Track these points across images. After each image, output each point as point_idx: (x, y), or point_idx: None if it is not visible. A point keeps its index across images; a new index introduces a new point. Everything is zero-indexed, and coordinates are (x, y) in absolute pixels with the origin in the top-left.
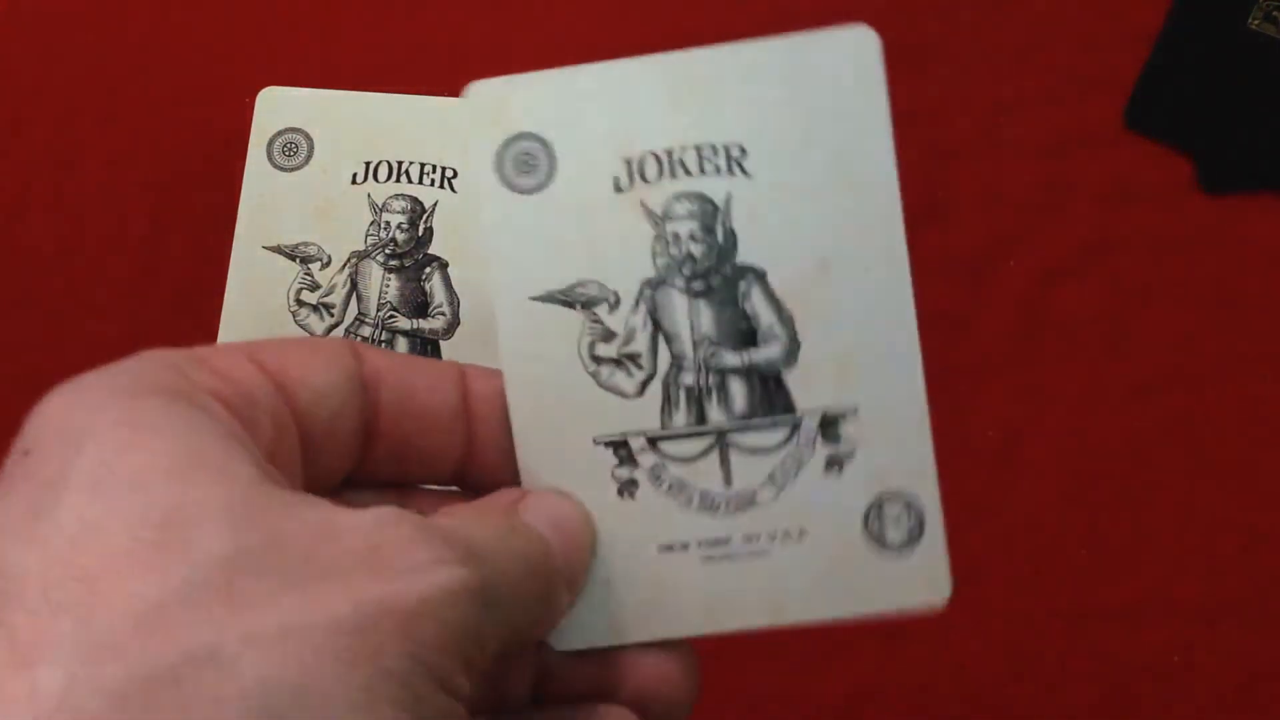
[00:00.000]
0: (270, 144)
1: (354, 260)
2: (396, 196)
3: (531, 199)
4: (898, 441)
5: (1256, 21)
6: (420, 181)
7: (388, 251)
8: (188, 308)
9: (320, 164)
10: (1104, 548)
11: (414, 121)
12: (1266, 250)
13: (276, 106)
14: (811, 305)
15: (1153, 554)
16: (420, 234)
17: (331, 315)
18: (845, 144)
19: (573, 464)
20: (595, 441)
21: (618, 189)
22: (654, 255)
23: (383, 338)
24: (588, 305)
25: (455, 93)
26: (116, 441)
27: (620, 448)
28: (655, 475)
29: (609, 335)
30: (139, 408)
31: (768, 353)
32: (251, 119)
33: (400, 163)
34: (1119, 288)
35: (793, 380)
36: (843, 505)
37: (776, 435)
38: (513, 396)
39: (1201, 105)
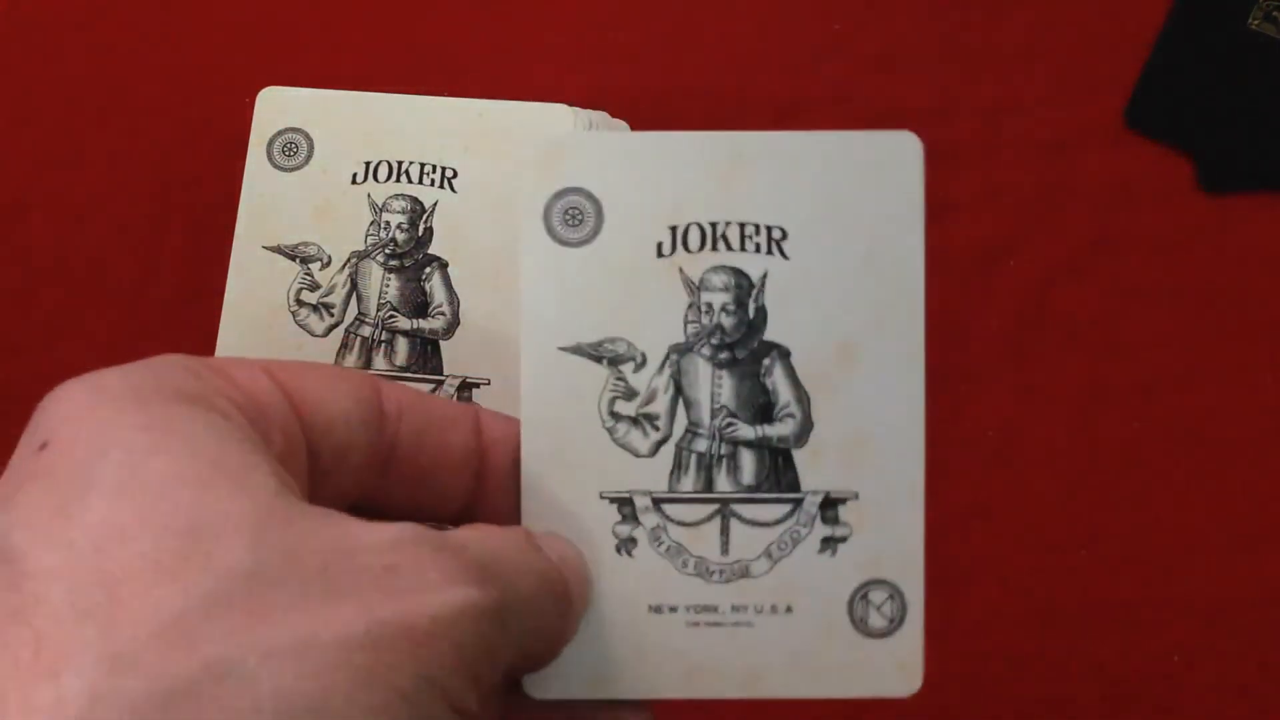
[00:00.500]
0: (270, 144)
1: (354, 260)
2: (396, 196)
3: (574, 252)
4: (892, 530)
5: (1256, 21)
6: (420, 181)
7: (388, 251)
8: (188, 308)
9: (320, 164)
10: (1104, 548)
11: (414, 121)
12: (1266, 250)
13: (276, 106)
14: (829, 389)
15: (1153, 554)
16: (420, 234)
17: (331, 315)
18: (880, 239)
19: (576, 514)
20: (601, 495)
21: (659, 254)
22: (685, 322)
23: (382, 338)
24: (614, 362)
25: (455, 93)
26: (143, 445)
27: (625, 505)
28: (655, 536)
29: (631, 394)
30: (163, 412)
31: (782, 429)
32: (251, 119)
33: (400, 163)
34: (1119, 288)
35: (801, 459)
36: (831, 586)
37: (779, 510)
38: (527, 441)
39: (1201, 105)
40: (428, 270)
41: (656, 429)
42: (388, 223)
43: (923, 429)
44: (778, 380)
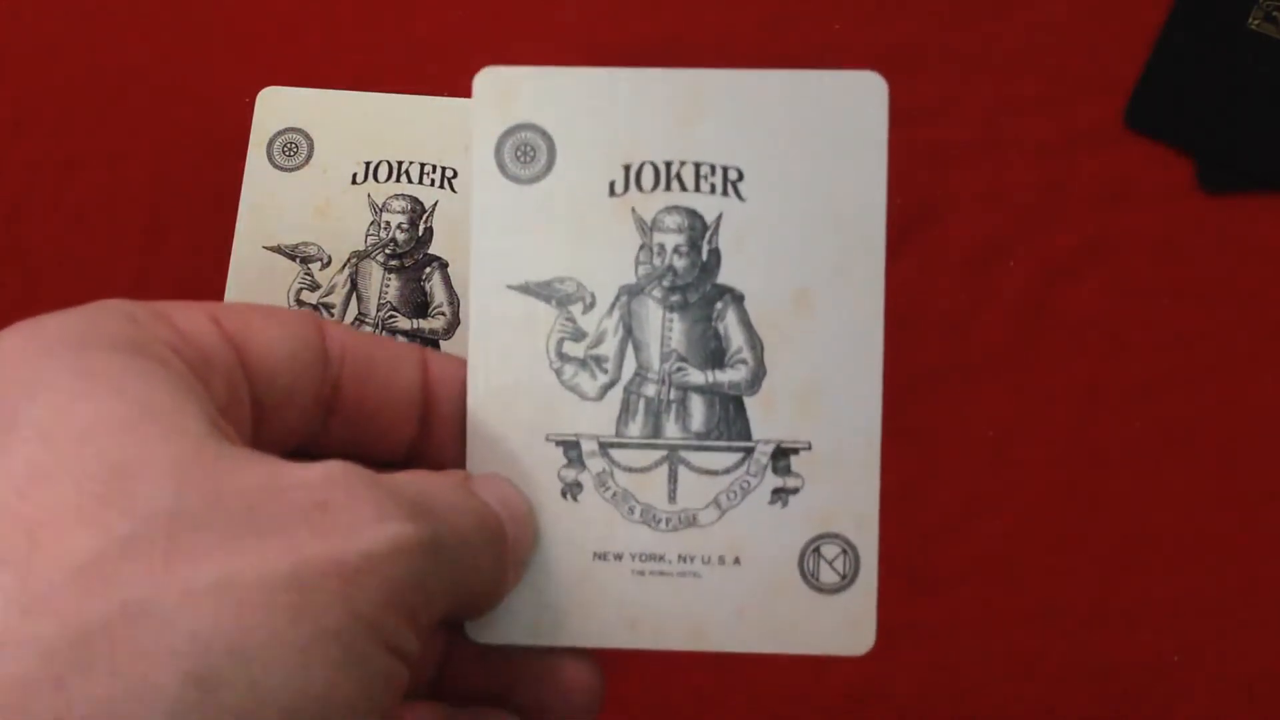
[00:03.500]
0: (270, 144)
1: (354, 260)
2: (396, 196)
3: (525, 189)
4: (846, 484)
5: (1256, 22)
6: (420, 181)
7: (388, 251)
8: None
9: (320, 164)
10: (1104, 548)
11: (414, 121)
12: (1266, 250)
13: (276, 106)
14: (784, 335)
15: (1153, 554)
16: (420, 234)
17: (331, 315)
18: (841, 183)
19: (521, 457)
20: (547, 438)
21: (612, 193)
22: (637, 263)
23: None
24: (563, 302)
25: (455, 93)
26: (70, 391)
27: (571, 448)
28: (601, 481)
29: (579, 335)
30: (94, 358)
31: (733, 375)
32: (251, 119)
33: (400, 163)
34: (1119, 288)
35: (753, 407)
36: (782, 539)
37: (728, 459)
38: (473, 381)
39: (1201, 105)
40: (428, 270)
41: (605, 372)
42: (388, 223)
43: (880, 380)
44: (730, 325)
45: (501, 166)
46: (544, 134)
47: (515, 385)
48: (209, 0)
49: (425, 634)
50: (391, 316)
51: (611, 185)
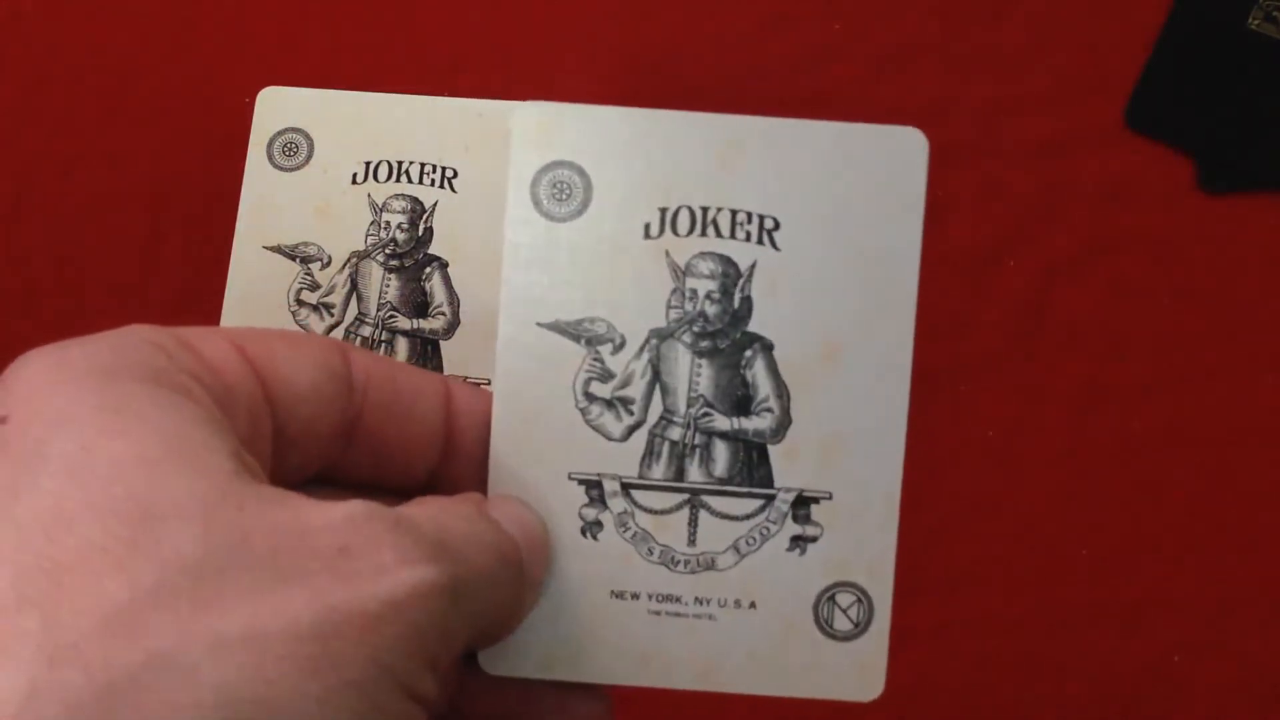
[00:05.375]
0: (270, 144)
1: (354, 260)
2: (396, 196)
3: (560, 227)
4: (864, 534)
5: (1256, 22)
6: (420, 181)
7: (388, 251)
8: (188, 308)
9: (320, 164)
10: (1104, 548)
11: (414, 121)
12: (1266, 250)
13: (276, 106)
14: (810, 386)
15: (1153, 554)
16: (420, 234)
17: (331, 315)
18: (877, 238)
19: (543, 493)
20: (570, 476)
21: (647, 235)
22: (668, 307)
23: (383, 338)
24: (592, 342)
25: (455, 93)
26: (97, 426)
27: (593, 487)
28: (621, 521)
29: (607, 375)
30: (121, 390)
31: (758, 424)
32: (251, 119)
33: (400, 163)
34: (1119, 288)
35: (776, 455)
36: (798, 585)
37: (749, 505)
38: (498, 416)
39: (1201, 105)
40: (428, 270)
41: (631, 413)
42: (388, 223)
43: (903, 435)
44: (758, 373)
45: (537, 203)
46: (581, 172)
47: (540, 422)
48: (209, 0)
49: (446, 676)
50: (391, 316)
51: (647, 227)
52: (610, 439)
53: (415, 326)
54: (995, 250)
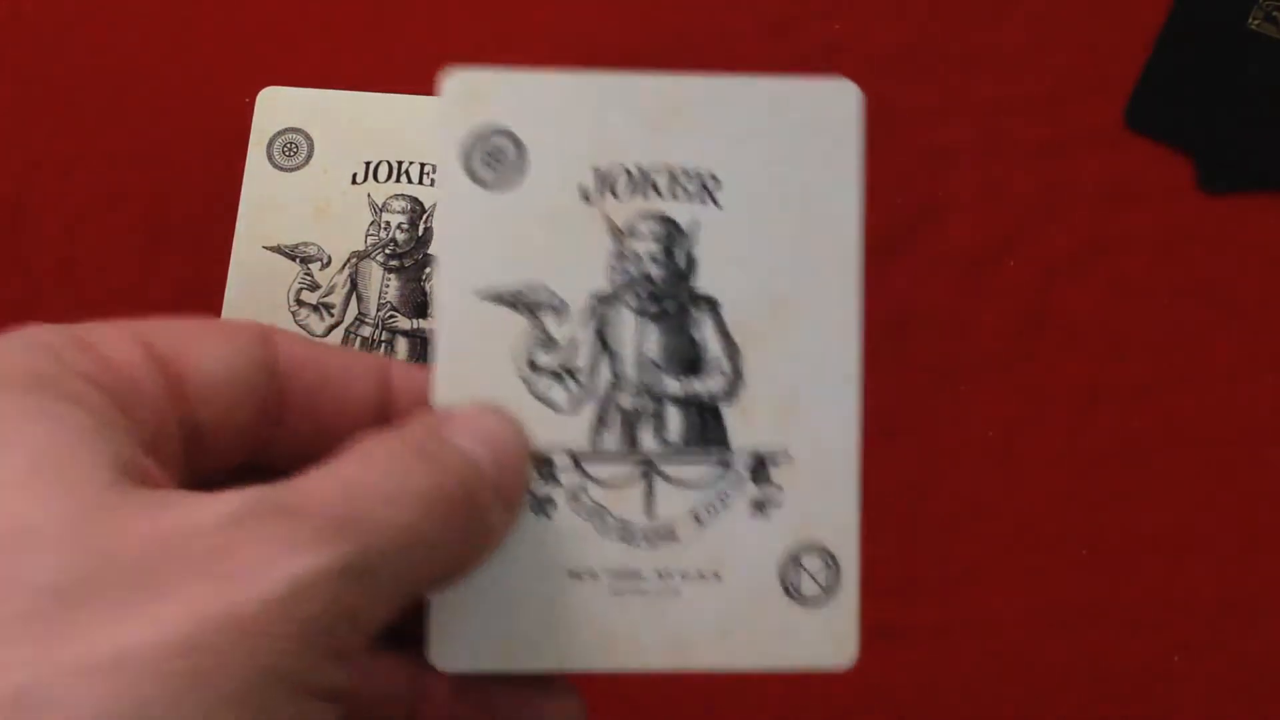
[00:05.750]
0: (270, 144)
1: (354, 260)
2: (396, 196)
3: (494, 195)
4: (826, 493)
5: (1256, 22)
6: (420, 181)
7: (388, 251)
8: (188, 308)
9: (320, 164)
10: (1104, 548)
11: (414, 121)
12: (1266, 250)
13: (276, 106)
14: (760, 343)
15: (1153, 554)
16: (420, 234)
17: (331, 315)
18: (816, 191)
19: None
20: None
21: (585, 198)
22: (610, 271)
23: (383, 338)
24: (533, 310)
25: None
26: None
27: (543, 463)
28: (575, 496)
29: (550, 344)
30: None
31: (710, 384)
32: (251, 119)
33: (400, 163)
34: (1119, 288)
35: (731, 416)
36: (763, 551)
37: (707, 470)
38: (439, 392)
39: (1201, 105)
40: (428, 270)
41: (578, 383)
42: (388, 223)
43: (857, 388)
44: (707, 334)
45: (469, 171)
46: (514, 138)
47: (482, 395)
48: (209, 0)
49: (360, 654)
50: (391, 316)
51: (584, 190)
52: (558, 410)
53: (415, 326)
54: (995, 250)
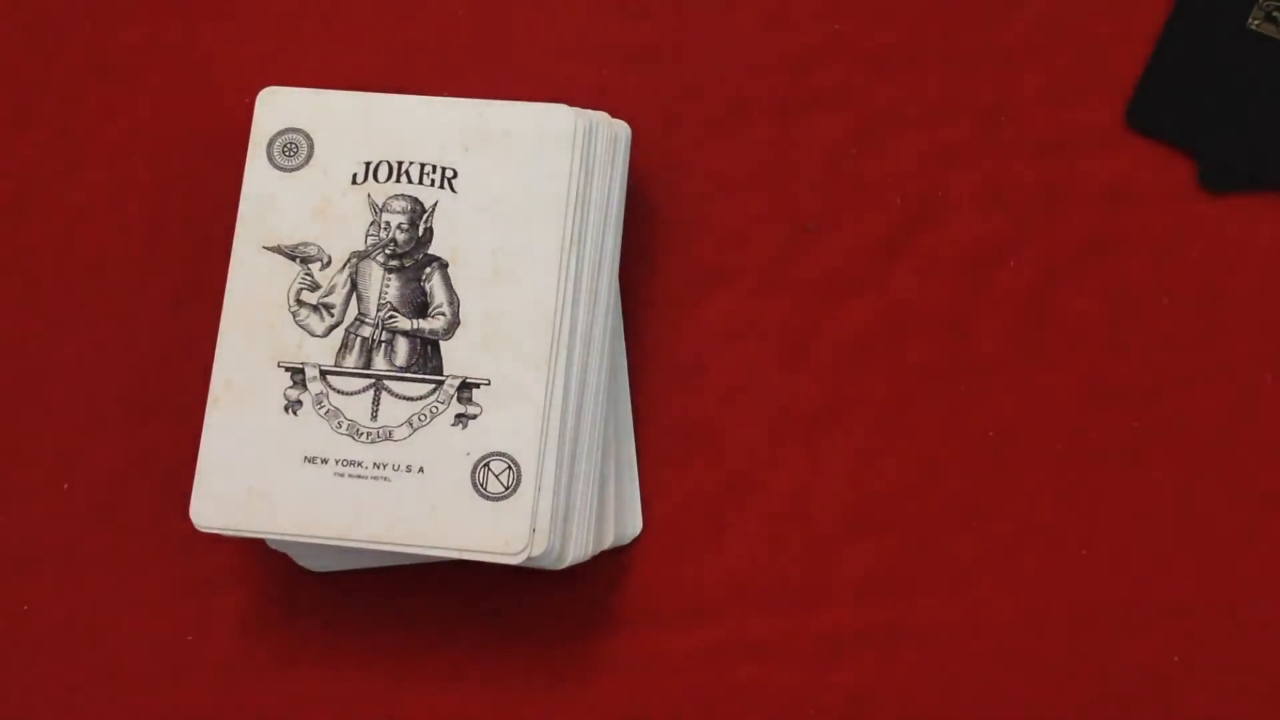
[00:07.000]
0: (270, 144)
1: (354, 260)
2: (396, 196)
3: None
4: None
5: (1257, 21)
6: (420, 181)
7: (388, 251)
8: (188, 308)
9: (320, 164)
10: (1104, 548)
11: (414, 121)
12: (1266, 250)
13: (276, 106)
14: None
15: (1153, 554)
16: (420, 234)
17: (331, 315)
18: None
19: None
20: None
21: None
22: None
23: (382, 337)
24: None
25: (455, 93)
26: None
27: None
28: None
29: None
30: None
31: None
32: (251, 119)
33: (400, 163)
34: (1119, 288)
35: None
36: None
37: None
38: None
39: (1201, 105)
40: (428, 270)
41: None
42: (388, 223)
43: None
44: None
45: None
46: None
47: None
48: (209, 1)
49: None
50: (391, 317)
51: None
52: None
53: (415, 326)
54: (995, 250)
